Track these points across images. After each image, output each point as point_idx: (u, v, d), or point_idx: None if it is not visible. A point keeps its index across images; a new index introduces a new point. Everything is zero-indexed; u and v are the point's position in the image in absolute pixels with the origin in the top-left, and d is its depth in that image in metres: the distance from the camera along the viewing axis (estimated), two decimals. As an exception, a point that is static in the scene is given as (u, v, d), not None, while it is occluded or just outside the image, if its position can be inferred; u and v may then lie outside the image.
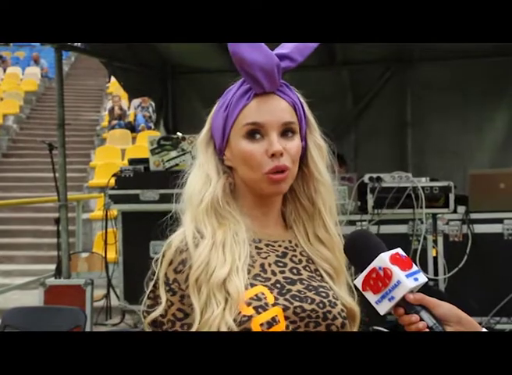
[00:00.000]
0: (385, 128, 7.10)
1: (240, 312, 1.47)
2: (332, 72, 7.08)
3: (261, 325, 1.47)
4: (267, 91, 1.56)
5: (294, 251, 1.63)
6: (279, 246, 1.62)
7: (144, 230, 5.88)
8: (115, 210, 6.20)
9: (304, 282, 1.57)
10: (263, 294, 1.50)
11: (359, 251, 1.50)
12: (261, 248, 1.59)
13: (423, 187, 5.43)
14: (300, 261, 1.62)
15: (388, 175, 5.56)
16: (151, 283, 1.56)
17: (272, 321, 1.48)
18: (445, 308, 1.45)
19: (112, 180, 6.14)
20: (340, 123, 7.16)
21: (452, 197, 5.44)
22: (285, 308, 1.50)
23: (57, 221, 6.70)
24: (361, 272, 1.47)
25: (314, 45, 1.60)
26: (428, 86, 6.90)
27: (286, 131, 1.56)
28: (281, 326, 1.48)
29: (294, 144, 1.57)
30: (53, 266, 7.39)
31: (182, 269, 1.52)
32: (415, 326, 1.42)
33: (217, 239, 1.53)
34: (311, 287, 1.56)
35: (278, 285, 1.53)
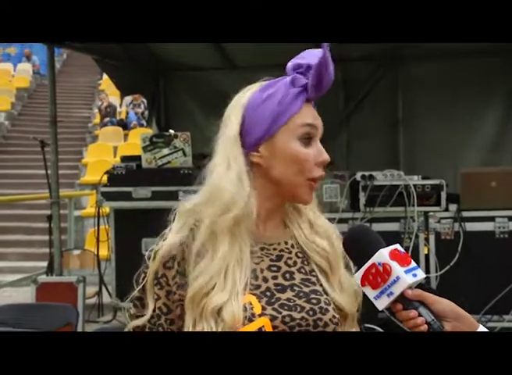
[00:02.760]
0: (376, 126, 7.10)
1: None
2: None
3: None
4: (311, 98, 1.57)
5: (290, 253, 1.61)
6: (274, 249, 1.60)
7: (136, 228, 5.89)
8: (107, 207, 6.20)
9: (296, 288, 1.55)
10: (250, 303, 1.49)
11: (358, 246, 1.51)
12: (255, 253, 1.57)
13: (415, 185, 5.44)
14: (295, 263, 1.60)
15: (380, 173, 5.57)
16: (143, 277, 1.57)
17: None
18: (443, 304, 1.46)
19: (105, 178, 6.13)
20: (332, 121, 7.15)
21: (444, 195, 5.46)
22: (272, 319, 1.49)
23: (49, 218, 6.70)
24: (360, 267, 1.48)
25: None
26: (419, 84, 6.91)
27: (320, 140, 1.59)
28: None
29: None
30: (44, 263, 7.39)
31: (171, 266, 1.53)
32: (413, 322, 1.43)
33: (225, 260, 1.50)
34: (301, 294, 1.55)
35: (267, 293, 1.52)
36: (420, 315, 1.44)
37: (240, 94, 1.59)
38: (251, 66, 6.52)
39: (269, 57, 6.04)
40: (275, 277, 1.56)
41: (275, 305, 1.51)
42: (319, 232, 1.63)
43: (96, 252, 6.65)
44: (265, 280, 1.54)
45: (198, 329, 1.47)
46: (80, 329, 4.82)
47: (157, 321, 1.54)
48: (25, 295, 6.79)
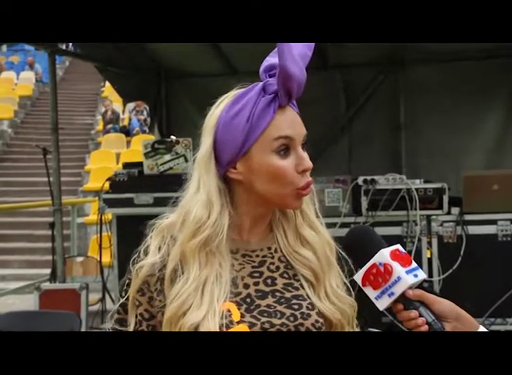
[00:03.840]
0: (378, 130, 7.10)
1: None
2: (324, 75, 7.08)
3: None
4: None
5: (272, 257, 1.59)
6: (257, 256, 1.58)
7: (138, 234, 5.88)
8: (109, 214, 6.20)
9: (277, 294, 1.54)
10: (229, 311, 1.48)
11: (359, 247, 1.51)
12: (237, 260, 1.56)
13: (417, 189, 5.44)
14: (278, 268, 1.58)
15: (382, 177, 5.57)
16: (127, 283, 1.58)
17: None
18: (443, 304, 1.47)
19: (107, 184, 6.14)
20: (334, 125, 7.18)
21: (446, 198, 5.45)
22: (251, 326, 1.47)
23: (52, 225, 6.70)
24: (361, 267, 1.48)
25: (310, 55, 1.57)
26: (420, 88, 6.91)
27: (303, 145, 1.53)
28: None
29: (308, 156, 1.54)
30: (48, 271, 7.39)
31: (153, 272, 1.53)
32: (414, 322, 1.44)
33: (200, 280, 1.49)
34: (282, 300, 1.53)
35: (247, 300, 1.51)
36: (421, 315, 1.45)
37: (214, 106, 1.56)
38: (252, 72, 6.51)
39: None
40: (256, 283, 1.54)
41: (255, 312, 1.50)
42: (305, 242, 1.60)
43: (99, 259, 6.66)
44: (246, 286, 1.53)
45: None
46: (83, 336, 4.82)
47: (139, 327, 1.55)
48: (28, 303, 6.79)
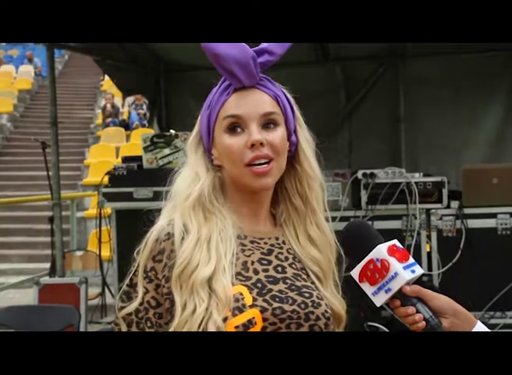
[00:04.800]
0: (378, 124, 7.09)
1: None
2: (324, 68, 7.07)
3: (237, 327, 1.45)
4: (246, 86, 1.55)
5: (281, 248, 1.61)
6: (265, 243, 1.60)
7: (138, 228, 5.87)
8: (109, 208, 6.20)
9: (288, 281, 1.55)
10: (241, 294, 1.48)
11: (356, 242, 1.51)
12: (246, 245, 1.57)
13: (416, 183, 5.44)
14: (287, 258, 1.60)
15: (381, 171, 5.56)
16: (132, 270, 1.58)
17: (249, 323, 1.46)
18: (441, 300, 1.46)
19: (106, 178, 6.13)
20: (333, 119, 7.16)
21: (445, 192, 5.45)
22: (263, 310, 1.47)
23: (51, 220, 6.70)
24: (358, 263, 1.47)
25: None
26: (420, 81, 6.89)
27: (267, 123, 1.55)
28: (257, 328, 1.46)
29: (277, 134, 1.55)
30: (48, 265, 7.39)
31: (160, 259, 1.53)
32: (412, 319, 1.44)
33: (202, 235, 1.52)
34: (293, 287, 1.54)
35: (259, 285, 1.51)
36: (418, 311, 1.44)
37: None
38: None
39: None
40: (265, 270, 1.55)
41: (267, 297, 1.50)
42: (312, 242, 1.62)
43: (98, 253, 6.65)
44: (256, 272, 1.54)
45: (190, 307, 1.46)
46: (82, 330, 4.82)
47: (144, 315, 1.54)
48: (28, 297, 6.78)
